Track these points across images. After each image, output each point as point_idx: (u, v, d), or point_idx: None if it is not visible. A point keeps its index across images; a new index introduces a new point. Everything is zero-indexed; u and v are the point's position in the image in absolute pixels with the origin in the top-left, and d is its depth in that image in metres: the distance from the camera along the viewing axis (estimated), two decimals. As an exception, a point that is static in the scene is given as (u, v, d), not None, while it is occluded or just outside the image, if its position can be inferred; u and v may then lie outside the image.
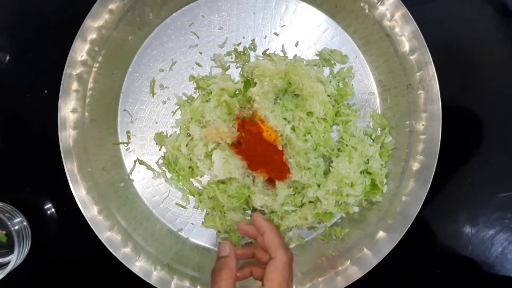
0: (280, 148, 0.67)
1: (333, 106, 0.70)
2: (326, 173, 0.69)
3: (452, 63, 0.74)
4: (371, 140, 0.71)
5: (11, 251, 0.70)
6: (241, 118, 0.68)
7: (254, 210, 0.71)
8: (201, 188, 0.71)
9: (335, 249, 0.69)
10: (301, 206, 0.70)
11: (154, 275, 0.65)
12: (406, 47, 0.66)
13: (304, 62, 0.71)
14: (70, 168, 0.64)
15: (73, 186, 0.64)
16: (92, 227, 0.64)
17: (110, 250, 0.64)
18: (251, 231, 0.61)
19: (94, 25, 0.65)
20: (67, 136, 0.65)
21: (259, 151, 0.67)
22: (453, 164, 0.75)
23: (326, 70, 0.72)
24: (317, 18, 0.72)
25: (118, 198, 0.69)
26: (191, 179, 0.72)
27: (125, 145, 0.71)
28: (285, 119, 0.69)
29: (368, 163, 0.69)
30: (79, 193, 0.64)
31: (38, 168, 0.73)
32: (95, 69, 0.67)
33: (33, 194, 0.73)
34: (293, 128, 0.68)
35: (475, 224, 0.75)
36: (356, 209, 0.69)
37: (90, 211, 0.65)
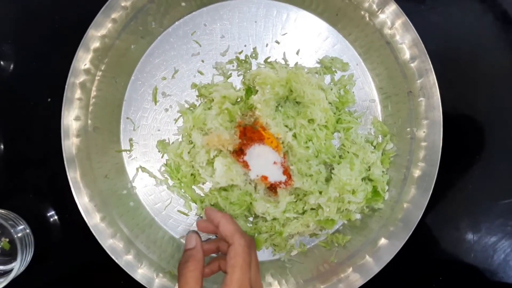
0: (281, 155, 0.68)
1: (334, 113, 0.71)
2: (328, 180, 0.69)
3: (453, 70, 0.75)
4: (373, 147, 0.71)
5: (14, 259, 0.70)
6: (243, 125, 0.68)
7: (256, 217, 0.71)
8: (203, 195, 0.72)
9: (337, 256, 0.69)
10: (303, 213, 0.70)
11: (156, 282, 0.65)
12: (407, 54, 0.67)
13: (305, 69, 0.71)
14: (73, 175, 0.65)
15: (76, 193, 0.64)
16: (94, 234, 0.64)
17: (113, 257, 0.64)
18: (210, 227, 0.61)
19: (97, 34, 0.65)
20: (70, 144, 0.65)
21: (260, 158, 0.67)
22: (455, 171, 0.75)
23: (327, 78, 0.72)
24: (318, 26, 0.72)
25: (121, 205, 0.69)
26: (193, 186, 0.72)
27: (128, 152, 0.72)
28: (286, 126, 0.69)
29: (369, 170, 0.69)
30: (82, 200, 0.65)
31: (41, 176, 0.73)
32: (98, 78, 0.67)
33: (36, 201, 0.73)
34: (294, 135, 0.69)
35: (477, 231, 0.75)
36: (358, 216, 0.69)
37: (93, 219, 0.65)
